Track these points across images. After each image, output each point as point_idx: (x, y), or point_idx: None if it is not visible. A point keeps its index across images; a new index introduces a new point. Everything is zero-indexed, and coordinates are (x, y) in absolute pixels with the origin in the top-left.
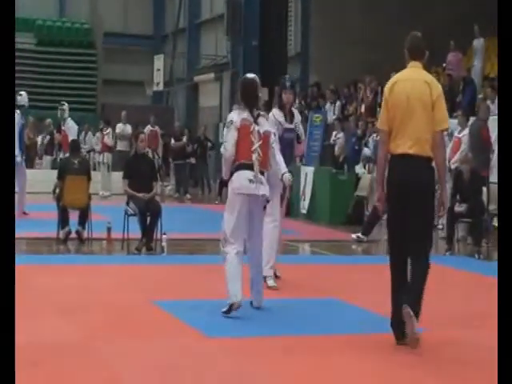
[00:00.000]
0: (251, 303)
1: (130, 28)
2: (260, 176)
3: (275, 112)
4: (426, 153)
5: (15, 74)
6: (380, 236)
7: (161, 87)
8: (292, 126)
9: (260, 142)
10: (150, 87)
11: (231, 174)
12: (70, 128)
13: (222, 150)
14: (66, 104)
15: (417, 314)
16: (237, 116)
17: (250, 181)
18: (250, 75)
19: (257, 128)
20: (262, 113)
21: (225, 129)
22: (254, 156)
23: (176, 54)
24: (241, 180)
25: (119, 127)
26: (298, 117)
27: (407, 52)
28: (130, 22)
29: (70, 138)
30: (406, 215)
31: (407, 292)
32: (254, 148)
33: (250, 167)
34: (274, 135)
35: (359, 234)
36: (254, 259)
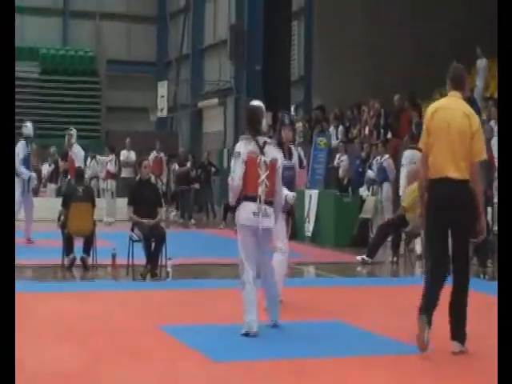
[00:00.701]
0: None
1: (134, 55)
2: (265, 207)
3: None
4: (464, 177)
5: (20, 103)
6: (385, 258)
7: (165, 113)
8: (291, 164)
9: (267, 173)
10: (154, 113)
11: (238, 203)
12: (77, 154)
13: (229, 180)
14: (74, 130)
15: (464, 334)
16: (243, 147)
17: (254, 214)
18: (255, 102)
19: (263, 159)
20: (268, 140)
21: (232, 159)
22: (261, 189)
23: (180, 80)
24: (246, 212)
25: (123, 154)
26: (296, 153)
27: (449, 82)
28: (133, 48)
29: (77, 164)
30: (446, 231)
31: (453, 312)
32: (260, 180)
33: (255, 199)
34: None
35: (364, 256)
36: (268, 288)
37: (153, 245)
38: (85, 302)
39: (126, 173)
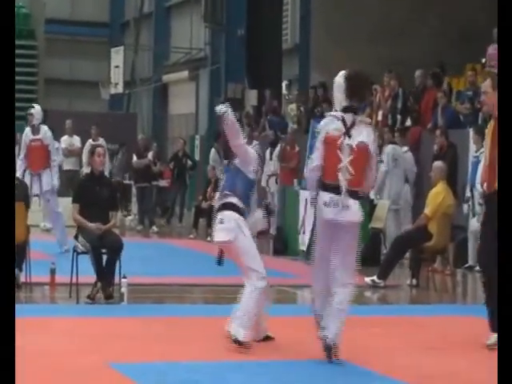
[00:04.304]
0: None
1: (80, 13)
2: (345, 198)
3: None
4: None
5: None
6: (401, 280)
7: (120, 89)
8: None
9: (351, 157)
10: (106, 89)
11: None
12: (48, 136)
13: (306, 166)
14: (38, 106)
15: None
16: (324, 125)
17: (325, 204)
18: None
19: (347, 141)
20: (359, 119)
21: (311, 139)
22: (341, 176)
23: (139, 47)
24: (319, 203)
25: (64, 141)
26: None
27: None
28: (79, 5)
29: (54, 151)
30: None
31: None
32: (341, 165)
33: (332, 188)
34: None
35: (374, 278)
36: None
37: (104, 257)
38: (16, 331)
39: (68, 164)
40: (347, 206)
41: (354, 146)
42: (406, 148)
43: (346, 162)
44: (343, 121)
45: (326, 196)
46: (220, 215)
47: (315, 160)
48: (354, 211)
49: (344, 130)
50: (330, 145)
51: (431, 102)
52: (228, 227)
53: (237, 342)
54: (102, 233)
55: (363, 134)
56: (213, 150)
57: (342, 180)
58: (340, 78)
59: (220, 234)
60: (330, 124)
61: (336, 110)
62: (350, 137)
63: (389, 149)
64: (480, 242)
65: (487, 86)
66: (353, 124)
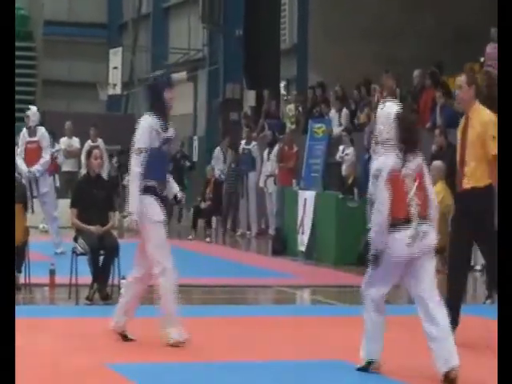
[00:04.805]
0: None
1: (78, 15)
2: (421, 228)
3: (150, 119)
4: None
5: None
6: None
7: (118, 90)
8: (170, 135)
9: (416, 185)
10: (105, 90)
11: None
12: (45, 137)
13: (375, 212)
14: (34, 108)
15: None
16: (384, 163)
17: (409, 245)
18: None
19: (406, 170)
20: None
21: (372, 181)
22: (412, 208)
23: (137, 48)
24: (398, 244)
25: (63, 142)
26: (171, 125)
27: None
28: (78, 6)
29: (48, 150)
30: None
31: None
32: (410, 197)
33: (406, 223)
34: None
35: None
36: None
37: (101, 258)
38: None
39: (67, 166)
40: (428, 231)
41: (413, 170)
42: None
43: (413, 192)
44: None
45: (403, 233)
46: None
47: (385, 203)
48: (432, 235)
49: (400, 162)
50: (395, 181)
51: (429, 101)
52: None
53: (175, 343)
54: (101, 234)
55: (414, 162)
56: (218, 148)
57: (414, 213)
58: (391, 112)
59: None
60: (388, 159)
61: (380, 143)
62: (407, 162)
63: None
64: (450, 239)
65: (463, 81)
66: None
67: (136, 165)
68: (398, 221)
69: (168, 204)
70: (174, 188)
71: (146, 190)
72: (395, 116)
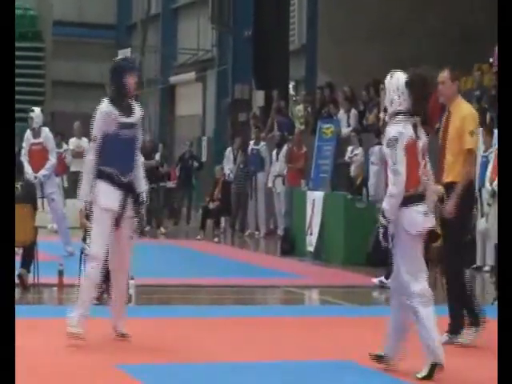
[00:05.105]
0: None
1: (88, 15)
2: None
3: (105, 104)
4: None
5: None
6: None
7: None
8: (132, 121)
9: (424, 161)
10: None
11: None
12: (49, 138)
13: (390, 176)
14: (38, 109)
15: None
16: (400, 132)
17: (425, 214)
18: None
19: (420, 144)
20: (417, 119)
21: (387, 149)
22: (423, 181)
23: (146, 49)
24: (414, 216)
25: (72, 142)
26: (138, 109)
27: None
28: (86, 7)
29: (52, 153)
30: None
31: None
32: (421, 171)
33: (420, 198)
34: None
35: (382, 278)
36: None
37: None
38: (23, 332)
39: (75, 166)
40: (427, 212)
41: (423, 146)
42: None
43: (423, 166)
44: (413, 124)
45: (420, 208)
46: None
47: (403, 173)
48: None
49: (414, 133)
50: (411, 153)
51: (438, 102)
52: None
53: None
54: None
55: (422, 134)
56: (229, 149)
57: (425, 186)
58: (400, 81)
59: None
60: (406, 127)
61: (396, 113)
62: (419, 138)
63: (376, 149)
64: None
65: (446, 76)
66: (415, 124)
67: (89, 152)
68: (413, 194)
69: (134, 192)
70: (140, 186)
71: (102, 177)
72: (407, 83)
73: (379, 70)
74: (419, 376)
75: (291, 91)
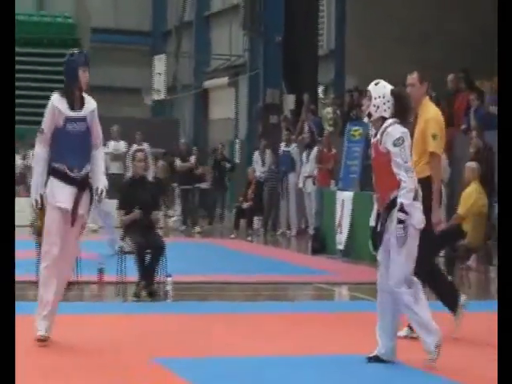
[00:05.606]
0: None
1: (124, 23)
2: None
3: (54, 98)
4: None
5: None
6: None
7: (162, 95)
8: (82, 115)
9: None
10: (149, 95)
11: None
12: None
13: (403, 174)
14: None
15: None
16: (402, 131)
17: (421, 210)
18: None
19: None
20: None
21: (395, 148)
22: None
23: (181, 54)
24: (418, 213)
25: (111, 145)
26: (91, 102)
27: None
28: (123, 15)
29: None
30: None
31: None
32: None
33: (417, 195)
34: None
35: None
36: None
37: (148, 257)
38: (66, 328)
39: (113, 168)
40: None
41: None
42: None
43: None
44: None
45: (418, 204)
46: None
47: (413, 169)
48: None
49: None
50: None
51: (464, 104)
52: None
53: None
54: (147, 234)
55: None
56: (256, 152)
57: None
58: (387, 89)
59: None
60: (403, 129)
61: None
62: None
63: None
64: None
65: (415, 78)
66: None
67: (37, 145)
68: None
69: (88, 187)
70: (97, 181)
71: (53, 173)
72: (392, 93)
73: (405, 73)
74: (430, 358)
75: (320, 95)
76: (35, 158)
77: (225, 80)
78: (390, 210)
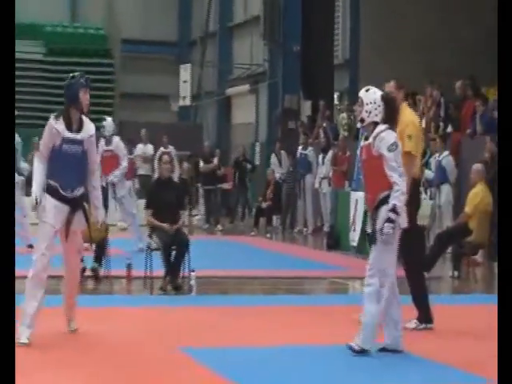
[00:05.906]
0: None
1: (152, 34)
2: None
3: (52, 118)
4: None
5: (21, 88)
6: (443, 272)
7: (188, 102)
8: (78, 137)
9: None
10: (176, 102)
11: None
12: (120, 146)
13: (396, 177)
14: (109, 119)
15: None
16: (395, 137)
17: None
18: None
19: None
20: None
21: (390, 153)
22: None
23: (205, 64)
24: (403, 213)
25: (139, 148)
26: (90, 127)
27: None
28: (151, 26)
29: (124, 159)
30: None
31: None
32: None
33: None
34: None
35: None
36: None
37: (173, 253)
38: (96, 319)
39: (142, 170)
40: None
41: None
42: (446, 152)
43: None
44: None
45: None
46: None
47: (404, 174)
48: None
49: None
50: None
51: (471, 110)
52: None
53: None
54: (173, 232)
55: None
56: (273, 155)
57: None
58: (377, 95)
59: None
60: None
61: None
62: None
63: None
64: None
65: (392, 86)
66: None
67: (35, 160)
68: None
69: (79, 206)
70: (98, 215)
71: (47, 189)
72: (382, 98)
73: (415, 81)
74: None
75: (336, 101)
76: (34, 170)
77: (246, 87)
78: (379, 209)
